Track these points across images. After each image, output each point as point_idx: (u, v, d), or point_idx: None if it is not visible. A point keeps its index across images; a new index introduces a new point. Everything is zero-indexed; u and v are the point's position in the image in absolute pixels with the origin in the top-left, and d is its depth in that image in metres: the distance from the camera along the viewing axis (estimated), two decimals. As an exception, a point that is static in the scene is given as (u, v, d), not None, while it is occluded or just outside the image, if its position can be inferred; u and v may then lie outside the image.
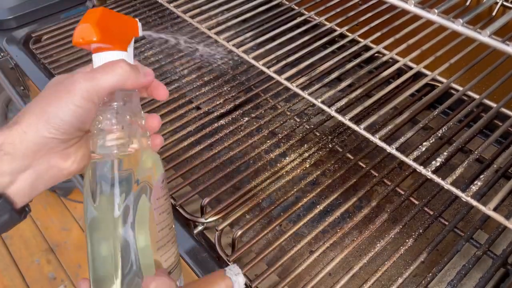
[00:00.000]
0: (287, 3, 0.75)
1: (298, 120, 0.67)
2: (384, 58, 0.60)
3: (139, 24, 0.35)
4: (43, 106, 0.30)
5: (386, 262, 0.48)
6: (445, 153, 0.47)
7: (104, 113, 0.32)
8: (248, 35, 0.65)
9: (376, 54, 0.64)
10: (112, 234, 0.30)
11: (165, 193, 0.33)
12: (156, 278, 0.30)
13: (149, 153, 0.33)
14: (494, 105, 0.62)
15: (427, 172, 0.45)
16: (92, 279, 0.30)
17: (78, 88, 0.30)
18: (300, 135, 0.64)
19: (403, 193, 0.57)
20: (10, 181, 0.30)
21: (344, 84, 0.56)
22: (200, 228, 0.54)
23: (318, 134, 0.65)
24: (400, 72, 0.70)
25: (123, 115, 0.32)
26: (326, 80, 0.57)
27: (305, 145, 0.63)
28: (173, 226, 0.34)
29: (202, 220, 0.54)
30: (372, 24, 0.66)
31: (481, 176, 0.44)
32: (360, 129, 0.49)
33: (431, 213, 0.54)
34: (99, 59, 0.32)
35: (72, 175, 0.33)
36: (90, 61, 0.35)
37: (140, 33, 0.35)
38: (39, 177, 0.31)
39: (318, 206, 0.54)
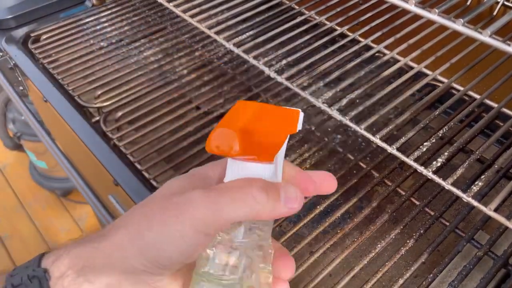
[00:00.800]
0: (287, 2, 0.75)
1: (298, 120, 0.67)
2: (385, 58, 0.60)
3: (301, 116, 0.27)
4: (141, 228, 0.23)
5: (386, 263, 0.48)
6: (446, 153, 0.47)
7: (218, 250, 0.23)
8: (248, 34, 0.65)
9: (376, 54, 0.64)
10: None
11: None
12: None
13: None
14: (495, 105, 0.62)
15: (428, 173, 0.45)
16: None
17: (192, 216, 0.22)
18: (300, 135, 0.64)
19: (403, 193, 0.56)
20: None
21: (344, 84, 0.55)
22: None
23: (318, 134, 0.65)
24: (400, 72, 0.70)
25: (242, 256, 0.24)
26: (327, 80, 0.57)
27: (305, 145, 0.62)
28: None
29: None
30: (373, 24, 0.65)
31: (482, 177, 0.44)
32: (360, 129, 0.49)
33: (432, 213, 0.54)
34: (233, 168, 0.25)
35: None
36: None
37: (299, 127, 0.27)
38: None
39: (318, 207, 0.54)
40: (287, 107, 0.27)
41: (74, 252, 0.24)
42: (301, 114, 0.27)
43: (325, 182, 0.27)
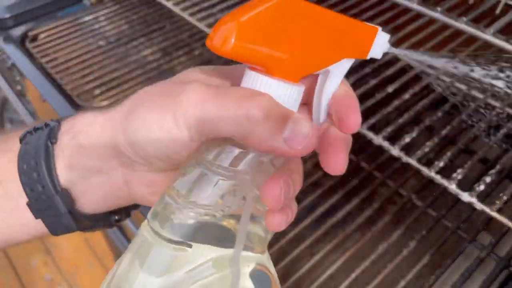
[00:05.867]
0: (287, 1, 0.74)
1: (298, 120, 0.67)
2: (387, 57, 0.60)
3: (382, 37, 0.21)
4: (134, 109, 0.22)
5: (388, 265, 0.48)
6: (448, 154, 0.46)
7: (202, 174, 0.19)
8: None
9: (377, 53, 0.64)
10: None
11: None
12: None
13: (254, 249, 0.21)
14: (498, 105, 0.62)
15: (431, 173, 0.44)
16: None
17: (178, 112, 0.20)
18: (301, 135, 0.63)
19: (405, 194, 0.56)
20: (77, 179, 0.24)
21: (345, 84, 0.55)
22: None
23: (318, 134, 0.65)
24: (402, 71, 0.69)
25: (231, 188, 0.19)
26: (327, 79, 0.56)
27: (306, 145, 0.62)
28: None
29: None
30: (374, 22, 0.65)
31: (485, 177, 0.44)
32: (362, 129, 0.49)
33: (434, 214, 0.53)
34: (246, 79, 0.20)
35: (149, 204, 0.24)
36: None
37: (376, 53, 0.22)
38: (111, 192, 0.25)
39: (319, 208, 0.54)
40: (362, 21, 0.21)
41: (79, 116, 0.25)
42: (383, 36, 0.21)
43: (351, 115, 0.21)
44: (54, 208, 0.24)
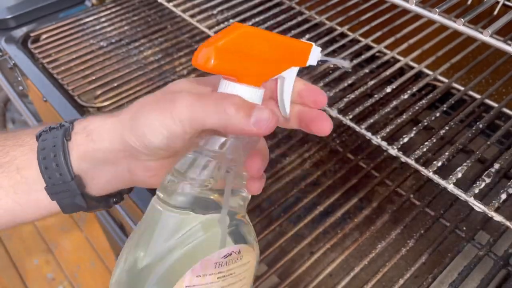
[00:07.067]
0: (287, 2, 0.75)
1: (298, 120, 0.67)
2: (385, 58, 0.60)
3: (315, 51, 0.28)
4: (139, 112, 0.28)
5: (387, 263, 0.48)
6: (446, 154, 0.47)
7: (195, 153, 0.27)
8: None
9: (377, 54, 0.64)
10: (135, 272, 0.26)
11: (225, 271, 0.27)
12: None
13: (235, 216, 0.28)
14: (495, 105, 0.62)
15: (429, 173, 0.45)
16: None
17: (174, 111, 0.26)
18: (300, 135, 0.64)
19: (404, 193, 0.56)
20: (87, 168, 0.30)
21: (345, 84, 0.55)
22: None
23: (318, 134, 0.65)
24: (401, 72, 0.70)
25: (215, 166, 0.26)
26: (327, 79, 0.57)
27: (306, 145, 0.62)
28: None
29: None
30: (373, 24, 0.65)
31: (483, 177, 0.44)
32: (361, 129, 0.49)
33: (432, 213, 0.54)
34: (222, 86, 0.27)
35: (149, 187, 0.32)
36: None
37: (312, 62, 0.28)
38: (116, 177, 0.31)
39: (318, 207, 0.54)
40: (300, 40, 0.28)
41: (90, 119, 0.31)
42: (316, 49, 0.28)
43: (319, 120, 0.29)
44: (70, 191, 0.30)
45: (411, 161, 0.46)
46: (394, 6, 0.61)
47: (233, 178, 0.27)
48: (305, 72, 0.65)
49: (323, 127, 0.29)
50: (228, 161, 0.27)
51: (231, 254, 0.27)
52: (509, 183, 0.43)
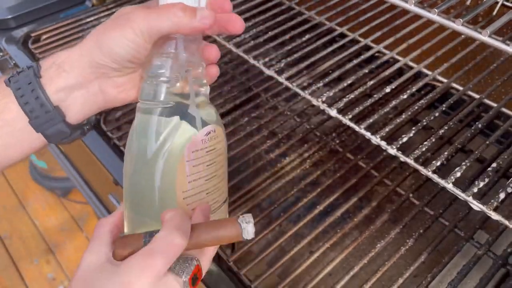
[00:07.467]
0: (287, 2, 0.75)
1: (298, 120, 0.67)
2: (385, 58, 0.60)
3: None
4: (101, 35, 0.32)
5: (386, 262, 0.48)
6: (445, 153, 0.47)
7: (157, 58, 0.33)
8: (248, 34, 0.65)
9: (376, 54, 0.64)
10: (142, 169, 0.33)
11: (209, 146, 0.34)
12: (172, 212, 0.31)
13: (201, 102, 0.34)
14: (494, 105, 0.62)
15: (428, 172, 0.45)
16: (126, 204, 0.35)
17: (133, 25, 0.31)
18: (300, 135, 0.64)
19: (403, 193, 0.56)
20: (64, 97, 0.33)
21: (344, 84, 0.56)
22: (199, 228, 0.54)
23: (318, 134, 0.65)
24: (400, 72, 0.70)
25: (177, 62, 0.33)
26: (327, 79, 0.57)
27: (305, 145, 0.62)
28: (217, 179, 0.35)
29: (202, 220, 0.53)
30: (373, 24, 0.66)
31: (482, 176, 0.44)
32: (360, 129, 0.49)
33: (432, 213, 0.54)
34: (163, 1, 0.33)
35: (120, 104, 0.37)
36: None
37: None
38: (90, 98, 0.34)
39: (318, 207, 0.54)
40: None
41: (56, 54, 0.34)
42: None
43: (232, 20, 0.34)
44: (52, 119, 0.33)
45: (410, 161, 0.46)
46: (393, 6, 0.61)
47: (194, 70, 0.34)
48: (305, 73, 0.65)
49: (236, 26, 0.34)
50: (184, 57, 0.33)
51: (210, 133, 0.34)
52: (508, 183, 0.43)
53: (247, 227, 0.32)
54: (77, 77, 0.33)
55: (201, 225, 0.32)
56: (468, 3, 0.61)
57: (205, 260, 0.34)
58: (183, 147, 0.33)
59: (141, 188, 0.34)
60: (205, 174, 0.34)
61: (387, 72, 0.58)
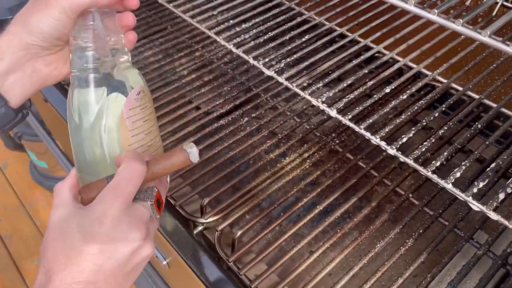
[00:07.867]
0: (287, 3, 0.75)
1: (298, 120, 0.67)
2: (384, 58, 0.60)
3: None
4: (26, 17, 0.36)
5: (386, 262, 0.48)
6: (445, 153, 0.47)
7: (80, 31, 0.36)
8: (248, 35, 0.65)
9: (376, 54, 0.64)
10: (88, 135, 0.36)
11: (141, 104, 0.38)
12: (126, 159, 0.34)
13: (126, 68, 0.38)
14: (494, 105, 0.62)
15: (427, 172, 0.45)
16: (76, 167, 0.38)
17: (56, 4, 0.34)
18: (300, 135, 0.64)
19: (403, 193, 0.57)
20: (1, 82, 0.36)
21: (344, 84, 0.56)
22: (199, 228, 0.54)
23: (318, 134, 0.65)
24: (400, 72, 0.70)
25: (98, 33, 0.36)
26: (326, 80, 0.57)
27: (305, 145, 0.63)
28: (154, 134, 0.40)
29: (202, 220, 0.53)
30: (372, 24, 0.66)
31: (481, 176, 0.44)
32: (360, 129, 0.49)
33: (431, 213, 0.54)
34: None
35: (55, 81, 0.40)
36: None
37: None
38: (26, 79, 0.37)
39: (318, 206, 0.54)
40: None
41: None
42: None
43: None
44: None
45: (410, 161, 0.46)
46: (393, 7, 0.61)
47: (114, 37, 0.37)
48: (305, 73, 0.65)
49: (132, 2, 0.38)
50: (102, 26, 0.36)
51: (140, 93, 0.38)
52: (507, 183, 0.43)
53: (192, 151, 0.37)
54: (10, 62, 0.36)
55: (154, 159, 0.37)
56: (468, 3, 0.61)
57: (163, 189, 0.38)
58: (122, 106, 0.36)
59: (91, 150, 0.37)
60: (143, 129, 0.38)
61: (387, 73, 0.58)
